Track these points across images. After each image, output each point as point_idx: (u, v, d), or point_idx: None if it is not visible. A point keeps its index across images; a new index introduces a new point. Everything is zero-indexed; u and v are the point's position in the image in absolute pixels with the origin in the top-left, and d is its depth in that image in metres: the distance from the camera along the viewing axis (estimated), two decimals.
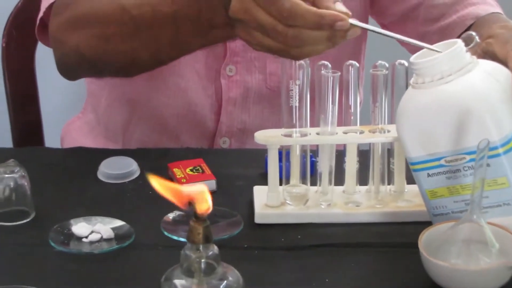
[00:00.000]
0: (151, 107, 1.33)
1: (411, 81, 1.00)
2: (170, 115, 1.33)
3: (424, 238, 0.95)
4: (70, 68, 1.26)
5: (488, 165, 0.95)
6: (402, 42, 1.35)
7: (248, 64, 1.31)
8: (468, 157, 0.97)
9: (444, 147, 0.97)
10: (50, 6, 1.24)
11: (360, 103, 1.09)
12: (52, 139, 1.55)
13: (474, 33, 1.04)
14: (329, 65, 1.06)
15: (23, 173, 1.08)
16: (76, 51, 1.20)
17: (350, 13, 0.99)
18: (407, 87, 1.09)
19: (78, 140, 1.39)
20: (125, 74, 1.25)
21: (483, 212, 0.97)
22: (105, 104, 1.38)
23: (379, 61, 1.07)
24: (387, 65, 1.08)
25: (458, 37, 1.27)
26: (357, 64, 1.08)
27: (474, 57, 0.99)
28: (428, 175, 1.00)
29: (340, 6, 1.00)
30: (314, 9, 0.98)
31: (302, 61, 1.07)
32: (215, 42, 1.14)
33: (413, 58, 0.99)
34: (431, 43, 1.31)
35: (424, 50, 1.00)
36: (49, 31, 1.24)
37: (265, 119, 1.33)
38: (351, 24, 0.99)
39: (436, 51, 0.99)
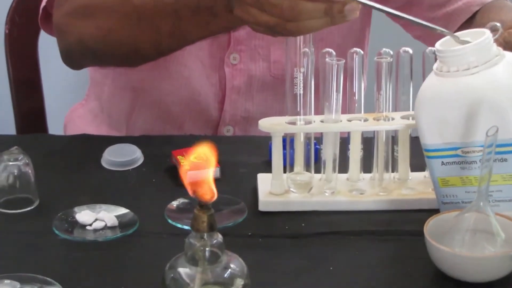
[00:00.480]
0: (155, 95, 1.33)
1: (435, 67, 0.99)
2: (174, 104, 1.32)
3: (430, 225, 0.95)
4: (73, 58, 1.26)
5: (505, 160, 0.95)
6: (407, 27, 1.35)
7: (252, 52, 1.30)
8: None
9: (462, 137, 0.97)
10: None
11: (363, 89, 1.09)
12: (55, 126, 1.55)
13: (498, 24, 1.03)
14: (334, 53, 1.06)
15: (27, 161, 1.08)
16: (79, 42, 1.20)
17: None
18: (411, 75, 1.09)
19: (81, 128, 1.39)
20: (128, 64, 1.25)
21: (494, 205, 0.97)
22: (109, 92, 1.38)
23: (384, 49, 1.07)
24: (391, 52, 1.07)
25: (464, 23, 1.26)
26: (362, 52, 1.07)
27: (501, 49, 0.98)
28: (442, 163, 0.99)
29: None
30: None
31: (306, 49, 1.06)
32: (216, 32, 1.14)
33: (439, 45, 0.98)
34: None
35: (450, 37, 0.99)
36: (53, 21, 1.24)
37: (269, 107, 1.33)
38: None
39: (444, 31, 0.98)
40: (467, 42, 0.98)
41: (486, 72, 0.96)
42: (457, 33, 0.99)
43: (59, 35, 1.24)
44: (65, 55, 1.26)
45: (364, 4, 0.99)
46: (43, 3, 1.28)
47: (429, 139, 0.99)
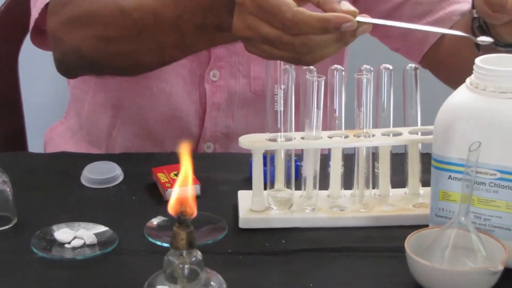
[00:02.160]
0: (135, 112, 1.32)
1: (468, 82, 0.98)
2: (155, 121, 1.32)
3: (411, 241, 0.95)
4: (70, 67, 1.24)
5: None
6: (385, 39, 1.35)
7: (232, 68, 1.30)
8: (499, 175, 0.96)
9: (480, 157, 0.95)
10: (46, 6, 1.22)
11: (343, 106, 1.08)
12: (35, 144, 1.54)
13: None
14: (314, 70, 1.05)
15: (5, 179, 1.07)
16: (76, 51, 1.18)
17: (357, 11, 0.98)
18: (392, 91, 1.09)
19: (61, 146, 1.38)
20: (127, 74, 1.23)
21: (490, 230, 0.97)
22: (88, 109, 1.38)
23: (364, 65, 1.07)
24: (371, 69, 1.07)
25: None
26: (342, 68, 1.07)
27: None
28: (450, 177, 0.99)
29: (347, 5, 0.99)
30: (318, 14, 0.97)
31: (287, 66, 1.06)
32: (223, 42, 1.13)
33: (479, 61, 0.97)
34: (416, 39, 1.31)
35: (493, 55, 0.99)
36: (48, 30, 1.22)
37: (250, 123, 1.33)
38: (360, 22, 0.98)
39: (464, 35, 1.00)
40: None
41: None
42: (488, 56, 0.98)
43: (55, 43, 1.22)
44: (60, 64, 1.23)
45: (376, 24, 1.00)
46: (35, 15, 1.25)
47: (444, 151, 0.98)
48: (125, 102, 1.32)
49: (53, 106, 2.07)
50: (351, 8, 0.98)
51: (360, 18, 0.98)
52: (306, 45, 0.99)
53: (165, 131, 1.32)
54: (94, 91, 1.36)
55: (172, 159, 1.19)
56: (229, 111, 1.32)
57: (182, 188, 0.87)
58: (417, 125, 1.10)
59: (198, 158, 1.26)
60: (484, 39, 1.04)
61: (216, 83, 1.30)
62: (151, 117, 1.32)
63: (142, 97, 1.31)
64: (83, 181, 1.17)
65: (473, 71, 0.97)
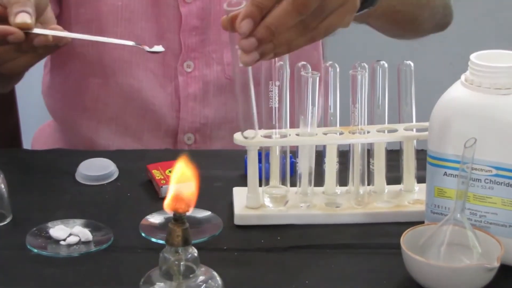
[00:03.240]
0: (110, 111, 1.33)
1: (463, 78, 0.98)
2: (130, 117, 1.33)
3: (407, 237, 0.95)
4: None
5: (511, 185, 0.95)
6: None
7: (207, 57, 1.30)
8: (495, 171, 0.96)
9: (476, 154, 0.94)
10: None
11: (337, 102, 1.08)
12: (30, 143, 1.54)
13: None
14: (309, 66, 1.05)
15: (0, 175, 1.07)
16: None
17: (31, 24, 1.04)
18: (386, 88, 1.09)
19: (48, 146, 1.38)
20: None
21: (485, 227, 0.97)
22: (62, 114, 1.38)
23: (359, 61, 1.07)
24: (366, 65, 1.07)
25: None
26: (336, 65, 1.07)
27: None
28: (445, 174, 0.99)
29: (21, 18, 1.04)
30: None
31: (281, 61, 1.06)
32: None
33: (474, 57, 0.97)
34: None
35: (489, 52, 0.98)
36: None
37: (229, 111, 1.33)
38: (32, 33, 1.04)
39: None
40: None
41: None
42: (483, 52, 0.98)
43: None
44: None
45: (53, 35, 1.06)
46: None
47: (439, 147, 0.98)
48: (98, 104, 1.33)
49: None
50: (27, 19, 1.04)
51: (37, 30, 1.04)
52: None
53: (142, 126, 1.33)
54: (66, 96, 1.36)
55: (167, 156, 1.20)
56: (205, 101, 1.32)
57: (177, 185, 0.87)
58: (412, 122, 1.10)
59: (193, 154, 1.26)
60: (156, 49, 1.06)
61: (190, 74, 1.31)
62: (126, 114, 1.32)
63: (114, 95, 1.32)
64: (78, 178, 1.17)
65: (468, 68, 0.97)
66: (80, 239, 1.02)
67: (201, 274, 0.87)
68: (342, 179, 1.10)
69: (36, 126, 1.52)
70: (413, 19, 1.34)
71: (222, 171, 1.18)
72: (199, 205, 1.04)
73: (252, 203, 1.07)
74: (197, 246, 0.87)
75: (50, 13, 1.12)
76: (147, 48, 1.06)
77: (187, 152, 1.28)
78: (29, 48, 1.07)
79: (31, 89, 1.76)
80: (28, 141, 1.55)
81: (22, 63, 1.09)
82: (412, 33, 1.40)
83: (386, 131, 1.09)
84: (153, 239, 1.03)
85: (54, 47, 1.10)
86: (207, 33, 1.29)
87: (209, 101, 1.32)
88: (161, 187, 1.12)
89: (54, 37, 1.07)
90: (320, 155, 1.10)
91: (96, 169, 1.17)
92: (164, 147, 1.33)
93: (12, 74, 1.13)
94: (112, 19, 1.27)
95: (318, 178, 1.10)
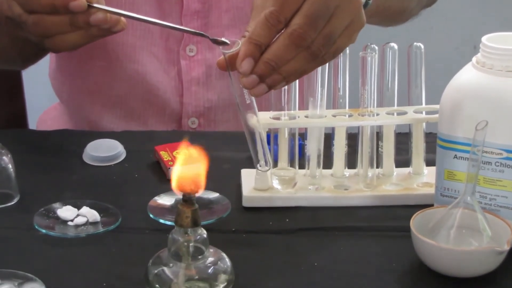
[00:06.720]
0: (114, 95, 1.33)
1: (475, 60, 0.97)
2: (135, 101, 1.32)
3: (416, 220, 0.95)
4: None
5: None
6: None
7: (209, 41, 1.30)
8: (505, 154, 0.95)
9: (486, 137, 0.93)
10: None
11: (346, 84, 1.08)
12: (36, 126, 1.53)
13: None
14: None
15: (8, 156, 1.06)
16: None
17: None
18: (396, 70, 1.08)
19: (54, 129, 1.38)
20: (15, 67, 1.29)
21: (495, 210, 0.96)
22: (68, 97, 1.38)
23: (369, 43, 1.06)
24: (376, 47, 1.07)
25: None
26: (346, 48, 1.06)
27: None
28: (455, 156, 0.98)
29: None
30: None
31: None
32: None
33: (486, 39, 0.96)
34: None
35: (500, 34, 0.98)
36: None
37: (233, 94, 1.32)
38: (93, 7, 1.01)
39: None
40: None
41: None
42: (494, 34, 0.97)
43: None
44: None
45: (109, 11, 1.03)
46: None
47: (450, 130, 0.98)
48: (102, 87, 1.33)
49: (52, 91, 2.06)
50: None
51: (98, 5, 1.01)
52: (40, 25, 1.01)
53: (147, 110, 1.33)
54: (71, 80, 1.36)
55: (174, 138, 1.19)
56: (209, 85, 1.32)
57: (186, 166, 0.87)
58: (421, 104, 1.09)
59: (201, 136, 1.26)
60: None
61: (193, 58, 1.30)
62: (131, 99, 1.32)
63: (118, 80, 1.31)
64: (86, 158, 1.16)
65: (480, 50, 0.97)
66: (88, 220, 1.02)
67: (210, 256, 0.87)
68: (351, 162, 1.10)
69: (42, 108, 1.52)
70: (402, 11, 1.35)
71: (230, 153, 1.18)
72: (208, 186, 1.04)
73: (261, 185, 1.07)
74: (205, 227, 0.87)
75: None
76: (210, 37, 1.03)
77: (194, 134, 1.29)
78: (85, 23, 1.03)
79: (38, 71, 1.75)
80: (34, 123, 1.55)
81: (71, 40, 1.05)
82: (401, 22, 1.41)
83: (395, 114, 1.08)
84: (161, 220, 1.03)
85: (107, 30, 1.06)
86: (209, 16, 1.29)
87: (212, 84, 1.32)
88: (169, 168, 1.11)
89: (109, 20, 1.03)
90: (328, 138, 1.09)
91: (103, 150, 1.16)
92: None
93: (55, 50, 1.08)
94: (116, 2, 1.26)
95: (327, 161, 1.09)
